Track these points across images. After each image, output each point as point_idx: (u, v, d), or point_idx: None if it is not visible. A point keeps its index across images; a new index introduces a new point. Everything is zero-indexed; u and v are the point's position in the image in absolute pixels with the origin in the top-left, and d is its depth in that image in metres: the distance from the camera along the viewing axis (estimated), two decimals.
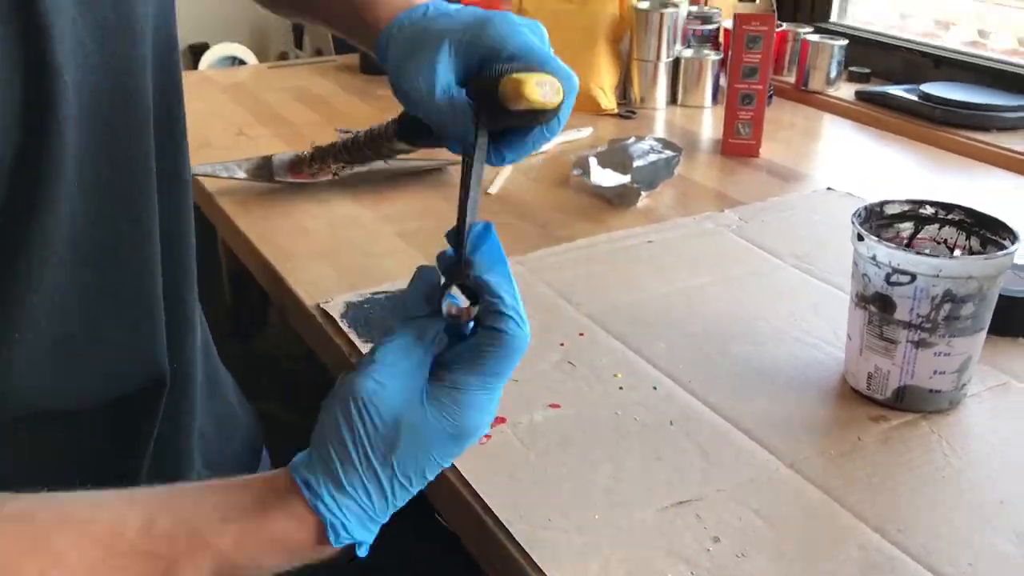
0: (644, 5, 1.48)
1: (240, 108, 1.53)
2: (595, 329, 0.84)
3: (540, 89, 0.47)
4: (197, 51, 3.04)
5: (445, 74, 0.50)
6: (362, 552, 0.47)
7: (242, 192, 1.15)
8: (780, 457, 0.67)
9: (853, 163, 1.31)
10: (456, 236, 0.47)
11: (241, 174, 1.14)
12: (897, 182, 1.24)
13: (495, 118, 0.49)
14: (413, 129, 0.58)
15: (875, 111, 1.46)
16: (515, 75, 0.47)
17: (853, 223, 0.72)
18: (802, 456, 0.67)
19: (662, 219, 1.08)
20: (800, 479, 0.65)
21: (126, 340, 0.53)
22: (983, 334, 0.71)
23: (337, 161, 1.01)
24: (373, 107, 1.54)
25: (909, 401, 0.72)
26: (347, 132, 1.19)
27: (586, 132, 1.39)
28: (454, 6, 0.54)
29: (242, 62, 3.05)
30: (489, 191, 1.16)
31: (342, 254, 0.99)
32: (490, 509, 0.62)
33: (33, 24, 0.42)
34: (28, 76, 0.42)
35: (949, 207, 0.75)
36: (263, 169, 1.14)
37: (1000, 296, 0.71)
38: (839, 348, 0.79)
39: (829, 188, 1.18)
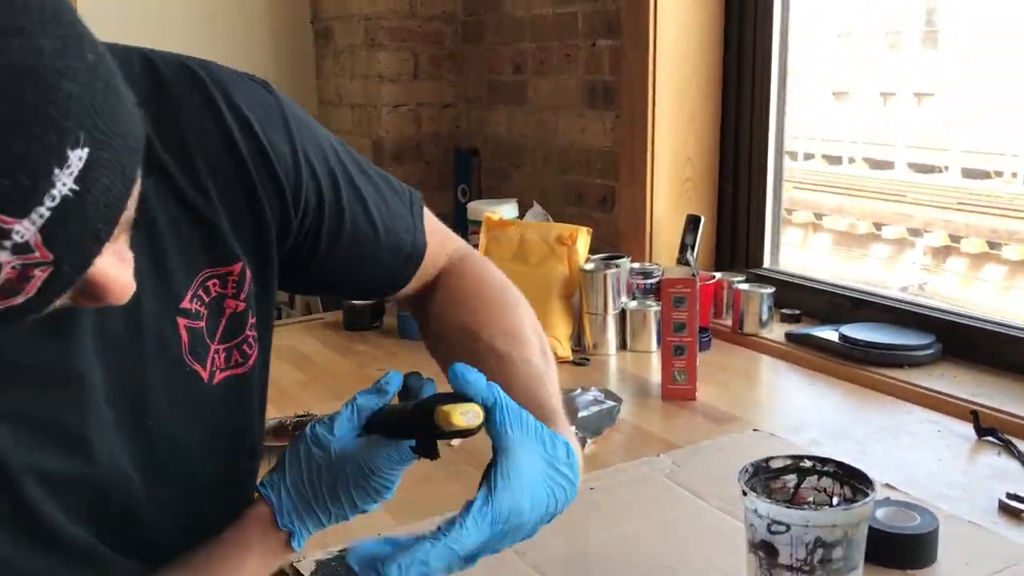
0: (590, 267, 1.69)
1: None
2: None
3: (464, 417, 0.67)
4: None
5: None
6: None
7: None
8: None
9: (781, 403, 1.47)
10: None
11: None
12: (819, 421, 1.38)
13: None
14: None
15: (802, 351, 1.63)
16: (445, 407, 0.67)
17: (739, 480, 0.86)
18: None
19: (605, 465, 1.22)
20: None
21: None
22: (856, 572, 0.84)
23: None
24: (352, 361, 1.71)
25: None
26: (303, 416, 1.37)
27: None
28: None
29: None
30: (452, 443, 1.31)
31: None
32: None
33: None
34: None
35: (824, 460, 0.90)
36: None
37: (889, 533, 0.84)
38: None
39: (755, 430, 1.33)
